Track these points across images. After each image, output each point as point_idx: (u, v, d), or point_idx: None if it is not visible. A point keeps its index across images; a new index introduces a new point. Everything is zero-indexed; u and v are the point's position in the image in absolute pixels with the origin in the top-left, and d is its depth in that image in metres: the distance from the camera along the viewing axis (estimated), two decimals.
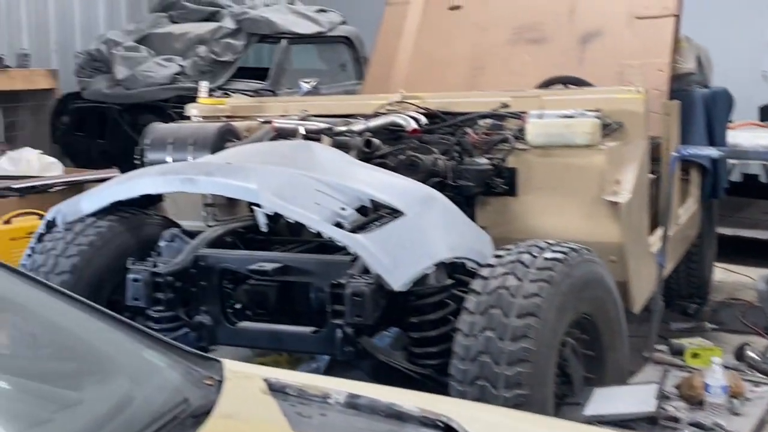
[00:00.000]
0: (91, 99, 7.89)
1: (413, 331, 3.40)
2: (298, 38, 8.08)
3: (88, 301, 2.36)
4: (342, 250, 3.48)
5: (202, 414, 1.98)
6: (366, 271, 3.21)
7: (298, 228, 3.93)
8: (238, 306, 3.67)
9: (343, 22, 8.64)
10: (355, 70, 8.52)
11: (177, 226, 4.03)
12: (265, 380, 2.22)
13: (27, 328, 2.30)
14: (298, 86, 5.99)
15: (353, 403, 2.15)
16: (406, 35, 6.12)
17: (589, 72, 5.16)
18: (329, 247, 3.67)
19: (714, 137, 5.71)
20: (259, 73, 8.36)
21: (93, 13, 9.33)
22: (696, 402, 3.34)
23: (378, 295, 3.17)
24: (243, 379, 2.19)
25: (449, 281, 3.38)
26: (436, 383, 3.26)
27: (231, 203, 4.32)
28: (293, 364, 4.79)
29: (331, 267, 3.38)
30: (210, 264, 3.56)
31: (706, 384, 3.32)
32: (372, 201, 3.49)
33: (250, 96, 7.01)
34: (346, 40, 8.56)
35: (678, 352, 4.01)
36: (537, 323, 3.00)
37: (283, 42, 7.97)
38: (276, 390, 2.18)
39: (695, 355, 3.81)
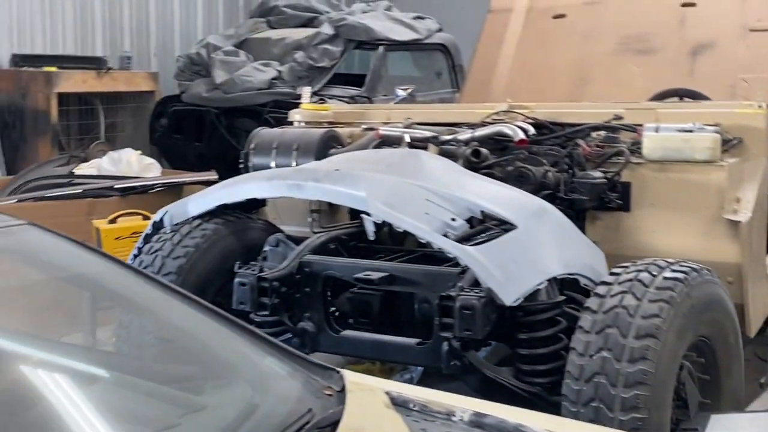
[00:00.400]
0: (190, 102, 8.04)
1: (521, 348, 3.33)
2: (395, 45, 8.09)
3: (206, 303, 2.37)
4: (448, 261, 3.44)
5: (328, 426, 1.95)
6: (475, 284, 3.15)
7: (401, 237, 3.90)
8: (336, 313, 3.68)
9: (440, 30, 8.60)
10: (450, 78, 8.49)
11: (279, 231, 4.05)
12: (387, 393, 2.18)
13: (145, 328, 2.31)
14: (393, 93, 5.99)
15: (479, 422, 2.09)
16: (508, 43, 6.08)
17: (700, 85, 5.06)
18: (433, 257, 3.63)
19: None
20: (352, 79, 8.43)
21: (192, 18, 9.51)
22: None
23: (488, 309, 3.11)
24: (365, 391, 2.16)
25: (561, 298, 3.31)
26: (545, 402, 3.19)
27: (332, 210, 4.32)
28: (386, 374, 4.76)
29: (439, 278, 3.33)
30: (315, 270, 3.55)
31: None
32: (482, 212, 3.44)
33: (346, 102, 7.04)
34: (443, 48, 8.52)
35: None
36: (656, 345, 2.91)
37: (381, 49, 8.00)
38: (398, 404, 2.14)
39: None
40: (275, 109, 7.43)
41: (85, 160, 7.26)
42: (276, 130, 4.75)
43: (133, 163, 6.93)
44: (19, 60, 7.66)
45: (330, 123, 4.85)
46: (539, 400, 3.22)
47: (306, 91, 5.30)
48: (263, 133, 4.61)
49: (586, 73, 5.70)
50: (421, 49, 8.32)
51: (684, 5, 5.54)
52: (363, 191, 3.42)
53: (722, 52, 5.26)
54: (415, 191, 3.47)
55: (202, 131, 7.94)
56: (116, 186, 6.33)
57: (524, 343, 3.29)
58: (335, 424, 1.94)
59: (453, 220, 3.33)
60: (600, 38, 5.73)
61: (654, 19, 5.59)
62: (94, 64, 8.02)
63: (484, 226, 3.43)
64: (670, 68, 5.36)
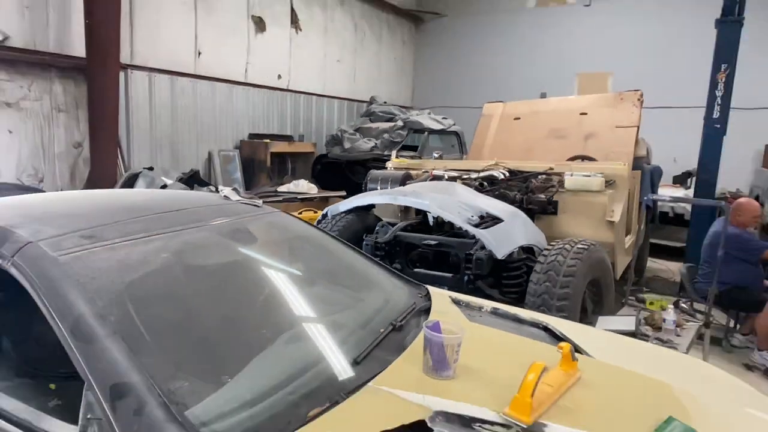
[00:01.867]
0: (332, 157, 8.07)
1: (504, 280, 3.30)
2: (433, 131, 8.03)
3: (361, 251, 2.38)
4: (466, 236, 3.45)
5: (425, 310, 2.00)
6: (483, 248, 3.16)
7: (441, 225, 3.90)
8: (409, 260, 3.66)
9: (454, 124, 8.49)
10: (459, 148, 8.37)
11: (380, 220, 4.06)
12: (449, 296, 2.22)
13: (333, 262, 2.27)
14: (431, 155, 5.96)
15: (496, 311, 2.13)
16: (491, 131, 6.01)
17: (590, 154, 4.97)
18: (456, 234, 3.64)
19: (654, 191, 5.39)
20: (411, 148, 8.24)
21: (331, 116, 9.55)
22: (657, 327, 3.15)
23: (490, 260, 3.13)
24: (438, 296, 2.18)
25: (524, 255, 3.31)
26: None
27: (407, 210, 4.28)
28: None
29: (464, 245, 3.32)
30: (402, 239, 3.56)
31: (664, 318, 3.13)
32: (487, 213, 3.43)
33: (409, 159, 7.03)
34: (456, 133, 8.43)
35: (641, 301, 3.79)
36: (573, 281, 2.91)
37: (426, 133, 7.94)
38: (455, 302, 2.18)
39: (652, 303, 3.58)
40: (373, 162, 7.47)
41: (281, 184, 7.37)
42: (380, 171, 4.76)
43: (304, 186, 7.02)
44: (252, 136, 7.83)
45: (405, 168, 4.85)
46: (512, 303, 3.22)
47: (394, 153, 5.34)
48: (374, 172, 4.62)
49: (531, 147, 5.61)
50: (445, 133, 8.21)
51: (581, 114, 5.46)
52: (427, 201, 3.44)
53: (601, 138, 5.16)
54: (453, 202, 3.47)
55: (337, 172, 7.96)
56: (298, 197, 6.44)
57: (505, 278, 3.28)
58: (429, 309, 2.00)
59: (472, 216, 3.33)
60: (538, 130, 5.64)
61: (566, 121, 5.49)
62: (288, 138, 8.17)
63: (486, 219, 3.41)
64: (573, 146, 5.27)
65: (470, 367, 1.50)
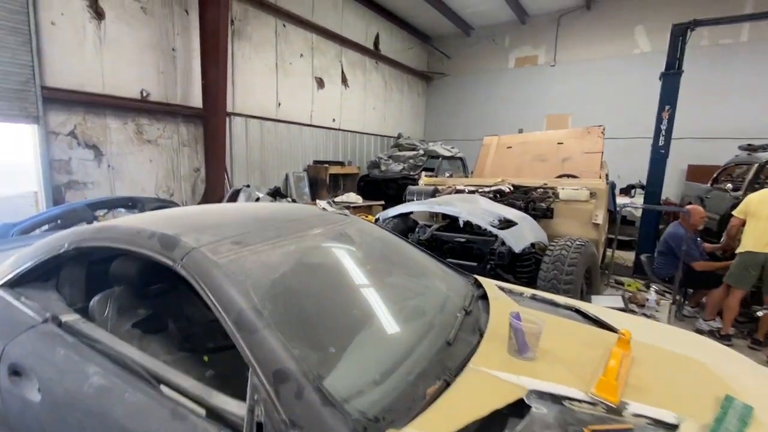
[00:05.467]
0: (372, 177, 7.81)
1: (519, 268, 3.07)
2: (445, 157, 7.72)
3: (416, 244, 2.16)
4: (487, 235, 3.22)
5: (482, 296, 1.77)
6: (503, 244, 2.94)
7: (468, 226, 3.67)
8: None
9: (459, 151, 8.14)
10: (464, 170, 8.02)
11: (417, 223, 3.85)
12: (496, 284, 1.99)
13: (395, 254, 2.01)
14: (444, 174, 5.70)
15: (534, 297, 1.90)
16: (490, 156, 5.70)
17: (566, 173, 4.66)
18: (479, 233, 3.42)
19: (613, 200, 5.06)
20: (430, 169, 7.97)
21: (369, 147, 9.30)
22: (641, 305, 2.88)
23: (509, 253, 2.91)
24: (488, 284, 1.96)
25: (533, 250, 3.06)
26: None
27: (437, 215, 4.06)
28: None
29: (487, 241, 3.12)
30: (437, 237, 3.36)
31: (647, 298, 2.85)
32: (504, 218, 3.20)
33: (435, 178, 6.77)
34: (461, 158, 8.03)
35: (620, 283, 3.50)
36: (576, 270, 2.67)
37: (440, 158, 7.63)
38: (501, 288, 1.96)
39: (630, 285, 3.29)
40: (402, 180, 7.22)
41: (336, 196, 7.17)
42: (416, 186, 4.49)
43: (352, 197, 6.83)
44: (315, 162, 7.62)
45: (434, 185, 4.61)
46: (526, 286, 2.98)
47: (423, 174, 5.11)
48: (411, 187, 4.37)
49: (520, 168, 5.30)
50: (453, 158, 7.82)
51: (558, 143, 5.16)
52: (459, 209, 3.21)
53: (574, 161, 4.85)
54: (477, 209, 3.23)
55: (376, 187, 7.68)
56: (350, 205, 6.23)
57: (520, 267, 3.05)
58: (485, 295, 1.78)
59: (492, 220, 3.10)
60: (526, 155, 5.34)
61: (547, 149, 5.19)
62: (341, 163, 7.94)
63: (503, 223, 3.20)
64: (553, 167, 4.96)
65: (544, 348, 1.28)
